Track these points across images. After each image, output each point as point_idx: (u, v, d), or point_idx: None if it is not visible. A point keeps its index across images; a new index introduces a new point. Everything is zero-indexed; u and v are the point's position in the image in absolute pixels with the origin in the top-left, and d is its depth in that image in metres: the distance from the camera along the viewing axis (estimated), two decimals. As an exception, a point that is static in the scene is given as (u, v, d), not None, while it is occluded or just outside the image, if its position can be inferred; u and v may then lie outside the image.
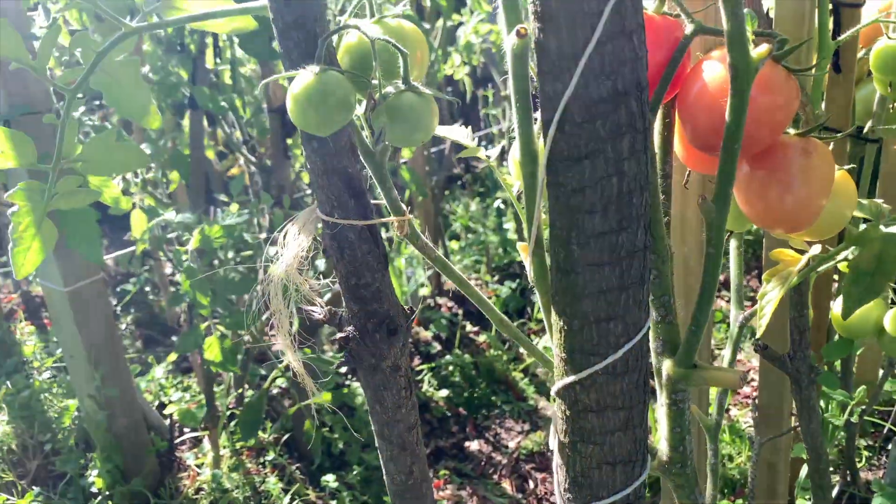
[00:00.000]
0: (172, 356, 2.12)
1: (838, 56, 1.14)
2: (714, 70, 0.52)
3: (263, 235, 1.58)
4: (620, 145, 0.45)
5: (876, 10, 1.12)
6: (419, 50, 0.57)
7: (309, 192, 1.92)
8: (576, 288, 0.49)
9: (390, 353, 0.62)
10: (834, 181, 0.56)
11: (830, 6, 1.08)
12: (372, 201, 0.62)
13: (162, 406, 1.97)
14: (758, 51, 0.47)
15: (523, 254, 0.57)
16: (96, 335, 1.47)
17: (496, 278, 2.62)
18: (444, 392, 1.98)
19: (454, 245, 2.86)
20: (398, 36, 0.55)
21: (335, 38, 0.58)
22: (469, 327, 2.31)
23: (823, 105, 1.15)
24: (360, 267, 0.60)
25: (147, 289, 2.71)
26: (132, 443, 1.60)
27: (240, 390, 1.74)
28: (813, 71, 0.63)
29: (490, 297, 2.44)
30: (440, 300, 2.47)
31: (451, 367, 2.04)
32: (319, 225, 0.60)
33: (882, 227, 0.59)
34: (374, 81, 0.52)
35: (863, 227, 0.60)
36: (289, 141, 1.48)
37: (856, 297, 0.57)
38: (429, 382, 2.02)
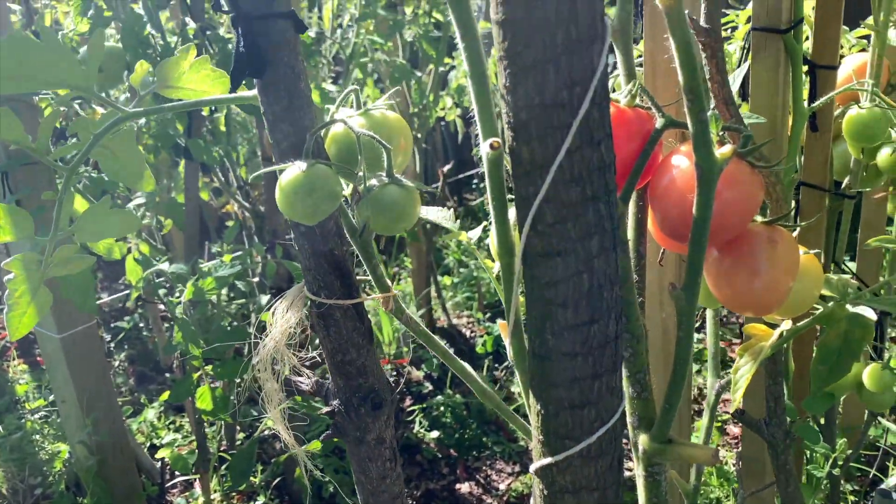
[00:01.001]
0: (165, 395, 2.12)
1: (815, 116, 1.18)
2: (682, 165, 0.54)
3: (256, 280, 1.60)
4: (590, 244, 0.48)
5: (850, 69, 1.16)
6: (402, 138, 0.60)
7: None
8: (551, 375, 0.51)
9: (375, 427, 0.64)
10: (800, 264, 0.58)
11: (806, 68, 1.12)
12: (358, 277, 0.65)
13: (153, 447, 1.97)
14: (722, 151, 0.50)
15: (503, 332, 0.59)
16: (89, 381, 1.48)
17: (488, 315, 2.63)
18: (435, 433, 1.98)
19: (447, 281, 2.88)
20: (383, 127, 0.58)
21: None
22: (461, 366, 2.32)
23: (802, 160, 1.19)
24: (346, 344, 0.62)
25: (141, 325, 2.72)
26: (123, 487, 1.60)
27: (231, 434, 1.74)
28: (780, 165, 0.66)
29: (482, 336, 2.46)
30: (432, 338, 2.49)
31: (442, 408, 2.05)
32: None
33: (848, 307, 0.61)
34: (360, 173, 0.55)
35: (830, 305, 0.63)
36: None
37: (823, 376, 0.59)
38: (420, 423, 2.03)
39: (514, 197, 0.49)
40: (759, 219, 0.58)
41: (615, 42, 0.63)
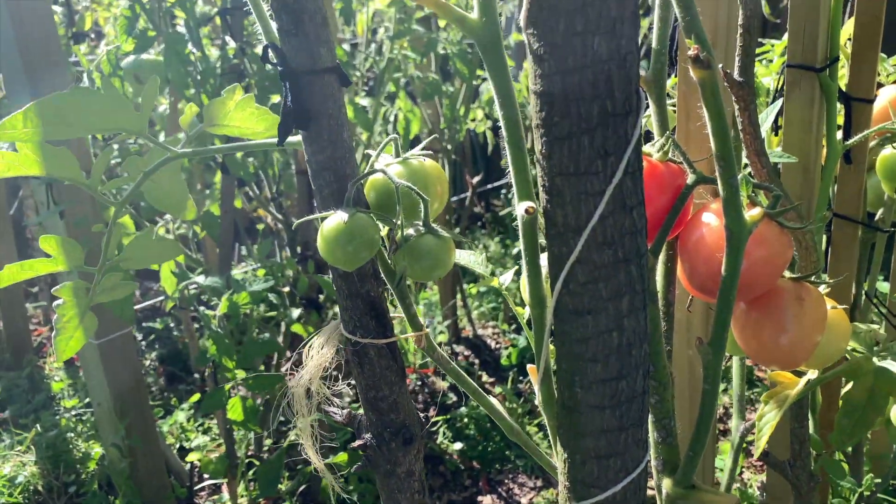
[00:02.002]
0: (194, 398, 2.17)
1: (849, 149, 1.17)
2: (712, 223, 0.56)
3: (287, 289, 1.63)
4: (621, 304, 0.49)
5: (887, 100, 1.15)
6: (439, 185, 0.62)
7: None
8: (578, 426, 0.53)
9: (405, 461, 0.66)
10: (827, 319, 0.59)
11: (841, 102, 1.12)
12: (392, 314, 0.67)
13: (182, 449, 2.02)
14: (751, 214, 0.51)
15: (532, 377, 0.61)
16: (124, 386, 1.52)
17: (514, 327, 2.65)
18: (459, 445, 2.00)
19: (473, 290, 2.90)
20: (420, 176, 0.60)
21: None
22: (485, 378, 2.34)
23: (835, 191, 1.19)
24: (379, 381, 0.64)
25: (171, 325, 2.78)
26: (153, 489, 1.65)
27: (259, 439, 1.78)
28: (809, 226, 0.66)
29: (507, 347, 2.47)
30: (457, 347, 2.51)
31: (465, 420, 2.07)
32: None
33: (875, 360, 0.62)
34: (398, 222, 0.57)
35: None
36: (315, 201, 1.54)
37: (847, 429, 0.60)
38: (443, 434, 2.05)
39: (546, 253, 0.51)
40: (787, 274, 0.59)
41: (648, 93, 0.64)
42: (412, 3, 1.78)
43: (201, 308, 1.40)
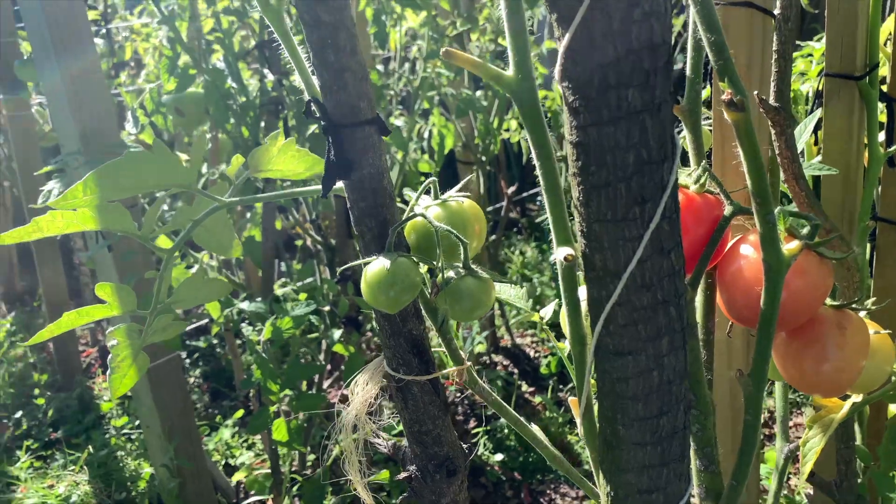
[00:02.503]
0: (239, 413, 2.22)
1: (892, 146, 1.15)
2: (750, 255, 0.56)
3: (327, 308, 1.66)
4: (660, 344, 0.50)
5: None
6: (477, 224, 0.63)
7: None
8: (620, 462, 0.54)
9: (449, 491, 0.68)
10: (870, 345, 0.59)
11: (882, 106, 1.10)
12: (433, 348, 0.68)
13: (228, 465, 2.07)
14: (789, 247, 0.52)
15: (574, 410, 0.62)
16: (172, 409, 1.56)
17: (552, 335, 2.64)
18: (499, 456, 2.01)
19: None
20: (459, 217, 0.61)
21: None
22: (525, 387, 2.35)
23: (879, 194, 1.17)
24: (423, 416, 0.66)
25: (215, 342, 2.84)
26: (202, 507, 1.69)
27: (303, 456, 1.81)
28: (847, 253, 0.66)
29: (546, 356, 2.47)
30: (496, 357, 2.52)
31: (506, 431, 2.08)
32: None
33: (921, 384, 0.61)
34: (438, 264, 0.59)
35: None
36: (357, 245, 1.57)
37: (893, 456, 0.60)
38: (484, 445, 2.06)
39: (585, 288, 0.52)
40: (828, 301, 0.59)
41: (684, 122, 0.65)
42: (444, 23, 1.80)
43: (246, 330, 1.43)
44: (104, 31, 2.62)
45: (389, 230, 0.59)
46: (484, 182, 2.45)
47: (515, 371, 2.43)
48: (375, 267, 0.57)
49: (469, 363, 0.67)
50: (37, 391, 2.47)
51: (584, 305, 0.55)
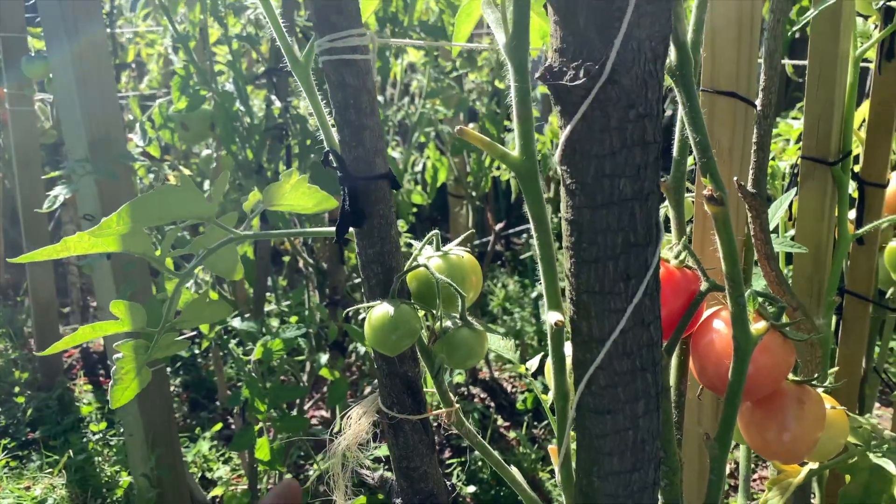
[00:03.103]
0: (217, 426, 2.24)
1: (860, 227, 1.22)
2: (721, 330, 0.61)
3: (313, 330, 1.70)
4: (637, 406, 0.55)
5: (899, 183, 1.20)
6: (474, 276, 0.68)
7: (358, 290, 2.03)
8: (594, 511, 0.58)
9: (431, 526, 0.72)
10: (826, 419, 0.64)
11: (854, 185, 1.17)
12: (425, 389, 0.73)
13: (204, 478, 2.08)
14: (757, 327, 0.57)
15: (553, 458, 0.67)
16: (156, 419, 1.59)
17: (531, 371, 2.68)
18: (472, 488, 2.04)
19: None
20: (458, 270, 0.66)
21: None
22: (500, 421, 2.38)
23: (847, 267, 1.23)
24: (412, 452, 0.70)
25: (196, 352, 2.85)
26: (177, 519, 1.70)
27: (281, 475, 1.83)
28: (809, 336, 0.72)
29: (523, 392, 2.51)
30: (474, 390, 2.55)
31: (479, 463, 2.11)
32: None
33: (871, 457, 0.67)
34: (437, 312, 0.63)
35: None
36: (345, 249, 1.62)
37: (844, 521, 0.65)
38: (457, 476, 2.09)
39: (571, 357, 0.57)
40: (791, 376, 0.64)
41: (668, 198, 0.71)
42: (445, 63, 1.87)
43: (235, 348, 1.47)
44: (108, 31, 2.67)
45: (394, 277, 0.64)
46: (473, 216, 2.51)
47: (492, 405, 2.47)
48: (380, 312, 0.62)
49: (458, 405, 0.72)
50: (17, 389, 2.47)
51: (568, 363, 0.60)
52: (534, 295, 3.06)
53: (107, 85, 1.46)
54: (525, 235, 3.62)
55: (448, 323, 0.63)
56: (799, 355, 0.68)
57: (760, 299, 0.60)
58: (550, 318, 0.54)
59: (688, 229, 0.79)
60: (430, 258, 0.68)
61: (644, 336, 0.53)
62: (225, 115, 1.38)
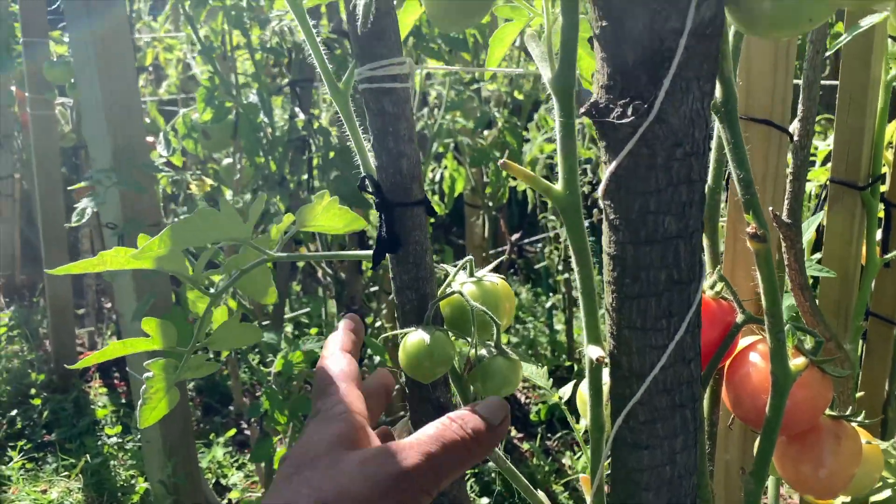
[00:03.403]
0: (231, 432, 2.24)
1: (887, 250, 1.21)
2: (758, 363, 0.61)
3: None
4: (675, 442, 0.55)
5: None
6: (508, 303, 0.68)
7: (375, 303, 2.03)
8: (628, 545, 0.58)
9: (459, 550, 0.72)
10: (862, 453, 0.64)
11: (882, 206, 1.16)
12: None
13: (218, 484, 2.09)
14: (795, 363, 0.57)
15: (585, 487, 0.67)
16: (173, 427, 1.60)
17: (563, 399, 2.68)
18: (486, 500, 2.04)
19: (504, 339, 2.94)
20: (492, 297, 0.66)
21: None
22: (513, 433, 2.38)
23: (873, 288, 1.22)
24: (442, 477, 0.70)
25: (211, 356, 2.86)
26: (192, 526, 1.71)
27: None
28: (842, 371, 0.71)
29: (536, 403, 2.51)
30: (487, 398, 2.55)
31: (493, 474, 2.11)
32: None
33: (906, 492, 0.66)
34: (472, 340, 0.63)
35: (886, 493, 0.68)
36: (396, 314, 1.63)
37: (877, 558, 0.64)
38: (471, 488, 2.09)
39: (609, 395, 0.57)
40: (828, 411, 0.64)
41: (704, 227, 0.70)
42: (467, 77, 1.87)
43: (254, 357, 1.47)
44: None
45: (429, 304, 0.64)
46: (489, 227, 2.51)
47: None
48: (415, 339, 0.62)
49: (487, 431, 0.72)
50: (33, 391, 2.49)
51: (604, 393, 0.60)
52: (548, 304, 3.05)
53: (131, 94, 1.48)
54: (539, 245, 3.61)
55: (483, 351, 0.63)
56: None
57: (798, 333, 0.60)
58: (591, 353, 0.54)
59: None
60: (463, 284, 0.68)
61: (685, 373, 0.53)
62: (249, 127, 1.39)
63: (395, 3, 0.61)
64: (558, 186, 0.53)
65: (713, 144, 0.70)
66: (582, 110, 0.51)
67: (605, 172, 0.51)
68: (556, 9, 0.52)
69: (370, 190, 0.65)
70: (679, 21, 0.46)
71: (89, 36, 1.44)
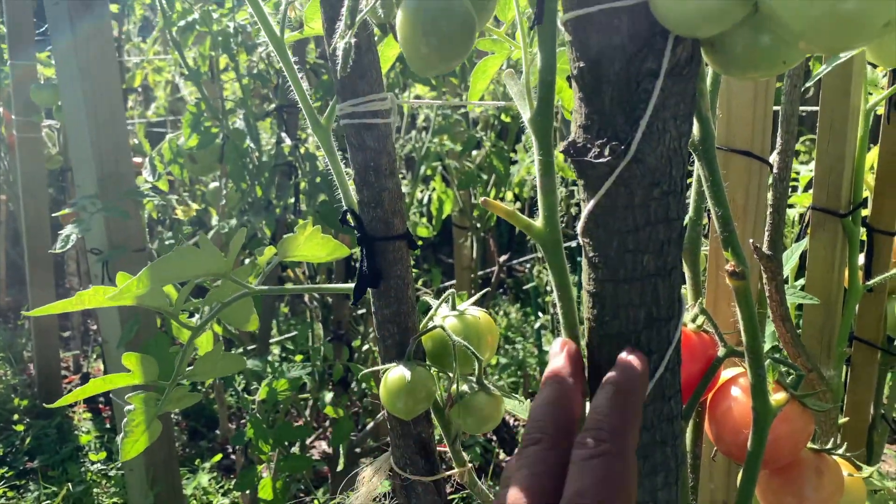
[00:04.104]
0: (217, 457, 2.22)
1: (869, 275, 1.22)
2: (739, 397, 0.61)
3: (318, 369, 1.69)
4: (656, 479, 0.54)
5: (909, 230, 1.20)
6: (490, 336, 0.68)
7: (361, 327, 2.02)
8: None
9: (442, 586, 0.71)
10: (844, 487, 0.64)
11: (864, 231, 1.17)
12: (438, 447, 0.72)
13: (203, 511, 2.06)
14: (776, 398, 0.57)
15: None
16: (157, 455, 1.58)
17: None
18: (474, 525, 2.02)
19: (493, 360, 2.94)
20: (474, 330, 0.66)
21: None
22: (502, 456, 2.37)
23: (856, 313, 1.23)
24: (424, 513, 0.69)
25: (194, 386, 2.84)
26: (176, 555, 1.68)
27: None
28: (826, 406, 0.71)
29: (524, 425, 2.50)
30: (476, 421, 2.54)
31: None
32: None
33: (889, 525, 0.66)
34: (453, 376, 0.63)
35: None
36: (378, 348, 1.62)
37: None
38: (459, 512, 2.07)
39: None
40: (809, 445, 0.64)
41: (685, 260, 0.71)
42: (451, 99, 1.88)
43: (238, 380, 1.46)
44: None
45: (410, 338, 0.64)
46: (477, 248, 2.51)
47: (494, 438, 2.45)
48: (395, 375, 0.61)
49: (470, 465, 0.72)
50: (16, 416, 2.46)
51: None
52: (537, 325, 3.05)
53: (117, 120, 1.47)
54: (528, 265, 3.62)
55: (464, 387, 0.63)
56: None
57: (780, 367, 0.60)
58: (570, 389, 0.54)
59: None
60: (445, 318, 0.68)
61: (664, 410, 0.53)
62: (235, 153, 1.39)
63: (375, 39, 0.61)
64: (538, 223, 0.53)
65: (693, 177, 0.70)
66: (560, 149, 0.52)
67: (584, 211, 0.52)
68: (535, 48, 0.52)
69: (352, 224, 0.65)
70: (655, 62, 0.47)
71: (75, 63, 1.44)
